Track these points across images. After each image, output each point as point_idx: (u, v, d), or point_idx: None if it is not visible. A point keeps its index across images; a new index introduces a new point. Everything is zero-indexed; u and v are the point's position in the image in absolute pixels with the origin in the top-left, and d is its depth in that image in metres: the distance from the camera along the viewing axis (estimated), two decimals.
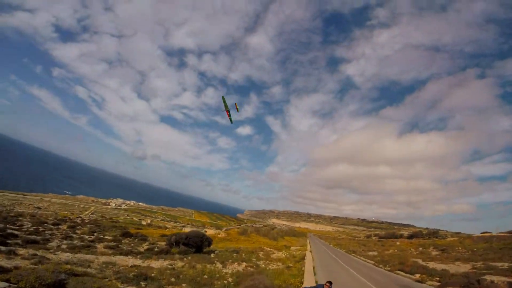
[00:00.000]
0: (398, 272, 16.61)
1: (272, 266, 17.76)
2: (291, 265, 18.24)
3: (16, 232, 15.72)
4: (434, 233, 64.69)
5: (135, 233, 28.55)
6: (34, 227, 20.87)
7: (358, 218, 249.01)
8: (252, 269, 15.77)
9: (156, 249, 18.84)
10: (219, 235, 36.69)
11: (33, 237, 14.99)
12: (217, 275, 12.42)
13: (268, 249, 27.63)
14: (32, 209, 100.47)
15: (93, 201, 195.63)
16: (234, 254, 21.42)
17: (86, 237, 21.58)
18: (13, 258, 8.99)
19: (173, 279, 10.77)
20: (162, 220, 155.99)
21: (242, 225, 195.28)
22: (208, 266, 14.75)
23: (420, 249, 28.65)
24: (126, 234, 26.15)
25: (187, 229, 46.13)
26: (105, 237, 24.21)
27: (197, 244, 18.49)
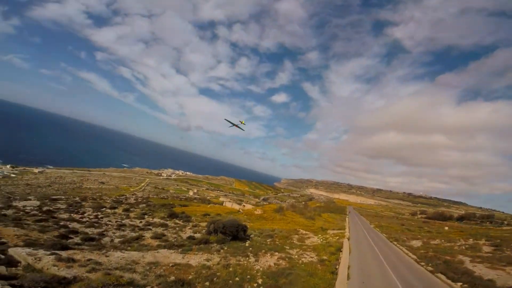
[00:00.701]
0: (439, 275, 15.25)
1: (305, 258, 17.93)
2: (325, 257, 18.16)
3: (77, 225, 18.11)
4: (488, 217, 57.53)
5: (180, 213, 31.31)
6: (94, 214, 24.13)
7: (404, 192, 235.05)
8: (284, 263, 16.13)
9: (197, 235, 20.36)
10: (256, 212, 38.27)
11: (91, 231, 17.21)
12: (248, 276, 12.91)
13: (304, 232, 27.98)
14: (97, 184, 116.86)
15: (147, 172, 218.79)
16: (268, 240, 22.17)
17: (137, 222, 24.22)
18: (71, 266, 10.38)
19: (207, 283, 11.49)
20: (206, 189, 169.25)
21: (279, 195, 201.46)
22: (242, 260, 15.47)
23: (471, 240, 25.86)
24: (173, 215, 28.76)
25: (227, 203, 49.16)
26: (154, 219, 26.88)
27: (233, 233, 19.43)
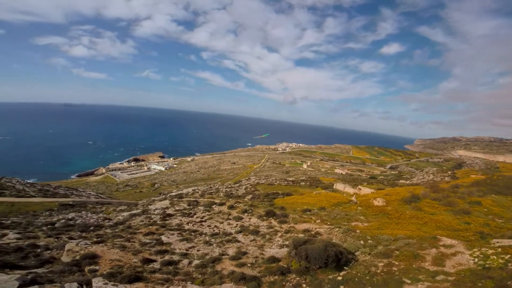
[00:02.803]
0: None
1: None
2: None
3: (174, 238, 18.34)
4: None
5: (279, 208, 28.59)
6: (202, 215, 25.20)
7: None
8: None
9: (283, 252, 16.59)
10: (375, 203, 29.51)
11: (179, 248, 16.89)
12: None
13: (448, 242, 17.51)
14: (229, 165, 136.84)
15: (266, 148, 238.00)
16: (381, 264, 14.79)
17: (234, 225, 23.26)
18: None
19: None
20: (320, 160, 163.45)
21: (412, 161, 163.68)
22: None
23: None
24: (269, 214, 26.42)
25: (338, 186, 42.45)
26: (251, 219, 25.33)
27: (321, 262, 14.09)
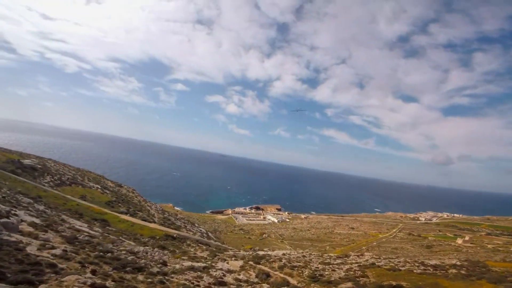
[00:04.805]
0: None
1: None
2: None
3: None
4: None
5: None
6: None
7: None
8: None
9: None
10: None
11: None
12: None
13: None
14: (347, 229, 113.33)
15: (401, 216, 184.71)
16: None
17: None
18: None
19: None
20: (487, 234, 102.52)
21: None
22: None
23: None
24: None
25: None
26: None
27: None
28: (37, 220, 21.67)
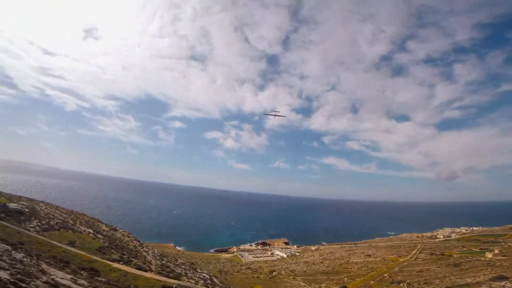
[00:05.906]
0: None
1: None
2: None
3: None
4: None
5: None
6: None
7: None
8: None
9: None
10: None
11: None
12: None
13: None
14: (363, 257, 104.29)
15: (417, 237, 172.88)
16: None
17: None
18: None
19: None
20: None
21: None
22: None
23: None
24: None
25: None
26: None
27: None
28: (4, 274, 18.33)
